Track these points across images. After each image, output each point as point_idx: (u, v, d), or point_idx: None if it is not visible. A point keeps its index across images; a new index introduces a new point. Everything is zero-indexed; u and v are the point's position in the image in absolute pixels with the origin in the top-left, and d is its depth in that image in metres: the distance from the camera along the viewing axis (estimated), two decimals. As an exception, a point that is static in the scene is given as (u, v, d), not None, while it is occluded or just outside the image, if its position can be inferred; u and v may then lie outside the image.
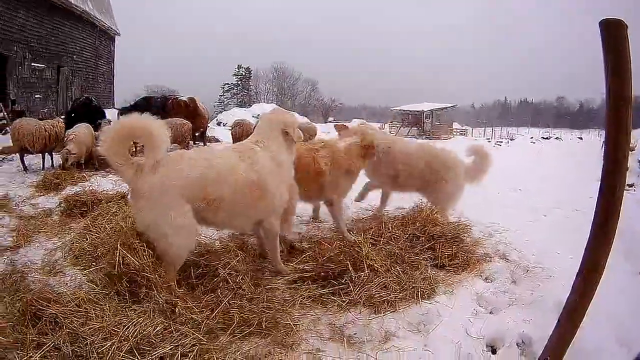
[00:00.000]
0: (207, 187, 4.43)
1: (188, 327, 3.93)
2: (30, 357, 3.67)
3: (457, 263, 5.21)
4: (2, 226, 6.85)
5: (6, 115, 21.93)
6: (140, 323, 3.96)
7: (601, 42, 2.53)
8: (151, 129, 4.36)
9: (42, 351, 3.70)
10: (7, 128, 20.33)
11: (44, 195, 8.98)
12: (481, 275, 5.09)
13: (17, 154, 12.57)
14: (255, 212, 4.82)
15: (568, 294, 2.78)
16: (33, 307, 4.33)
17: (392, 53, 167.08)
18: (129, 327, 3.90)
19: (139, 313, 4.10)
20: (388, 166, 6.94)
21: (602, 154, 2.57)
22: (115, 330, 3.88)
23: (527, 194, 10.33)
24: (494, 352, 3.75)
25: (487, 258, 5.48)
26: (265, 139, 5.04)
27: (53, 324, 4.15)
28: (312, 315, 4.17)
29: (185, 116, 18.46)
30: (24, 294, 4.55)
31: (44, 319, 4.19)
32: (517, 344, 3.78)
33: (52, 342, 3.82)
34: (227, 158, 4.72)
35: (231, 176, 4.57)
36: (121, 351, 3.63)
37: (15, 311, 4.33)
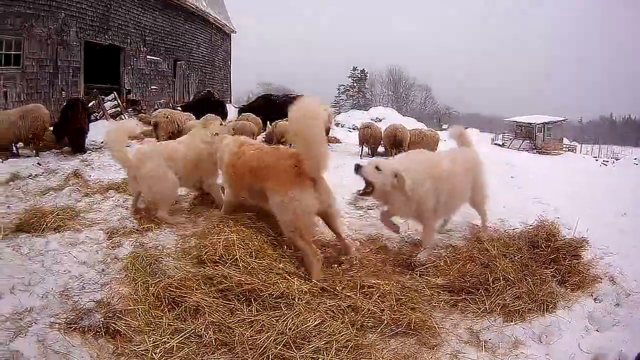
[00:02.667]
0: None
1: (340, 322, 4.35)
2: (166, 341, 3.96)
3: (575, 282, 5.79)
4: (126, 208, 7.57)
5: (120, 104, 23.93)
6: (299, 317, 4.31)
7: None
8: None
9: (181, 336, 4.05)
10: (122, 115, 22.40)
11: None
12: (592, 295, 5.67)
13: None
14: None
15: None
16: (173, 293, 4.63)
17: (508, 62, 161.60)
18: (287, 320, 4.22)
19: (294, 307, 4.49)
20: None
21: None
22: (271, 323, 4.21)
23: (634, 219, 10.31)
24: None
25: (598, 280, 5.99)
26: None
27: (194, 311, 4.46)
28: (451, 319, 4.91)
29: None
30: (160, 279, 4.92)
31: (184, 305, 4.49)
32: None
33: (192, 329, 4.14)
34: None
35: None
36: (278, 344, 3.92)
37: (150, 295, 4.67)
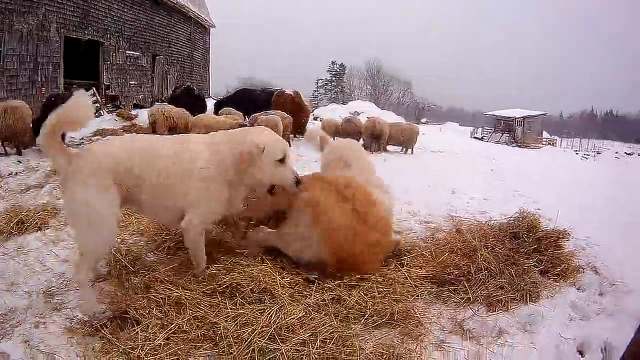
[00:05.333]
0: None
1: (324, 314, 4.38)
2: (152, 338, 3.92)
3: (557, 272, 5.84)
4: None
5: (99, 100, 24.21)
6: (281, 311, 4.32)
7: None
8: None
9: (167, 332, 3.97)
10: (101, 111, 22.68)
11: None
12: (574, 285, 5.72)
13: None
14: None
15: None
16: (155, 290, 4.60)
17: (486, 59, 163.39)
18: (271, 314, 4.20)
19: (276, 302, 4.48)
20: None
21: None
22: (255, 317, 4.20)
23: (618, 210, 10.62)
24: (582, 355, 4.45)
25: (581, 270, 6.06)
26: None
27: (176, 304, 4.43)
28: (435, 309, 4.93)
29: (289, 110, 18.49)
30: (142, 274, 4.94)
31: (168, 301, 4.47)
32: (600, 350, 4.41)
33: (176, 325, 4.07)
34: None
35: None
36: (263, 337, 3.91)
37: (132, 291, 4.70)
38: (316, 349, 3.87)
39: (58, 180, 8.77)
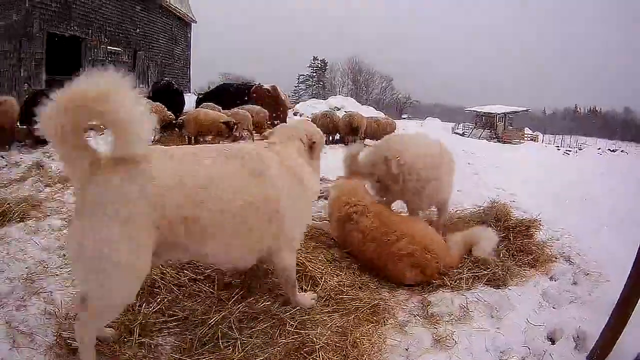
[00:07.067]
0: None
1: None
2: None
3: (528, 261, 5.84)
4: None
5: None
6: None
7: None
8: (120, 104, 3.08)
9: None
10: None
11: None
12: (547, 274, 5.72)
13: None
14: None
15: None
16: None
17: (469, 53, 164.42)
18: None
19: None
20: None
21: None
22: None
23: (595, 204, 10.61)
24: (552, 342, 4.38)
25: (553, 259, 6.08)
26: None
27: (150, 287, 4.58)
28: (400, 294, 4.99)
29: (267, 104, 18.78)
30: None
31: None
32: (573, 338, 4.34)
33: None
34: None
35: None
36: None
37: None
38: (276, 337, 3.95)
39: (39, 174, 9.30)
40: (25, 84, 22.23)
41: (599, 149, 48.82)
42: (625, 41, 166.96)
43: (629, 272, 3.46)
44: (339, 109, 31.78)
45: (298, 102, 41.70)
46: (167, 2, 36.28)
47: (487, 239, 5.53)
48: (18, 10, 21.54)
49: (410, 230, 5.26)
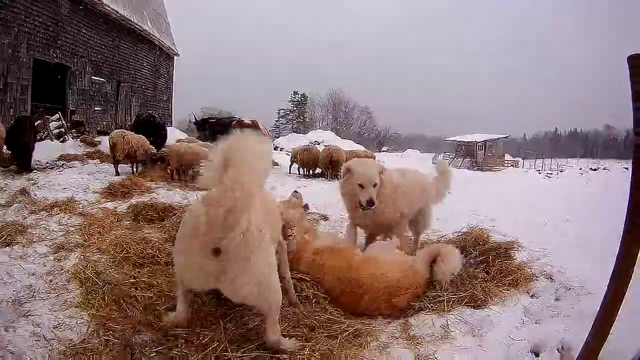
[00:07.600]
0: None
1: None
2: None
3: (508, 281, 5.91)
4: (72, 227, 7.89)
5: (65, 125, 23.67)
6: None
7: (629, 76, 2.73)
8: None
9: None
10: (66, 136, 22.26)
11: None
12: (528, 292, 5.78)
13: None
14: None
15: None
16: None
17: (451, 85, 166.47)
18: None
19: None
20: None
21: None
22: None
23: (576, 224, 10.80)
24: (537, 355, 4.41)
25: (534, 278, 6.13)
26: None
27: None
28: (382, 318, 5.10)
29: None
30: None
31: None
32: (557, 350, 4.38)
33: None
34: None
35: None
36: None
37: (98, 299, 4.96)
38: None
39: (24, 200, 9.37)
40: (11, 109, 22.14)
41: (580, 169, 49.41)
42: (602, 58, 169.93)
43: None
44: (319, 143, 32.09)
45: (278, 137, 41.95)
46: (151, 35, 37.06)
47: (448, 260, 5.68)
48: (7, 35, 21.63)
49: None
